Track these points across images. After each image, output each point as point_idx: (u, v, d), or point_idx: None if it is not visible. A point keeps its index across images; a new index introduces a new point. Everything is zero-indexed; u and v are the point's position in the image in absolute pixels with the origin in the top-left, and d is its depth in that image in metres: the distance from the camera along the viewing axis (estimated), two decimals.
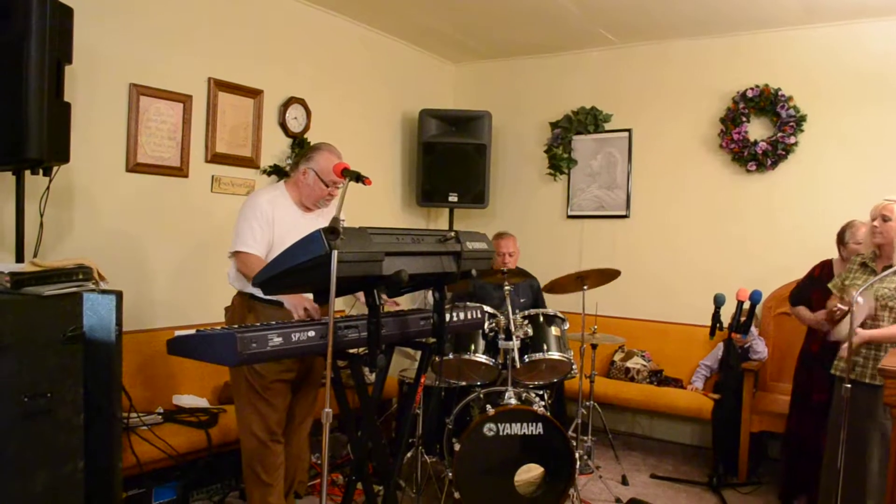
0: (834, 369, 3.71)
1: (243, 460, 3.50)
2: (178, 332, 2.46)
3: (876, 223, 3.55)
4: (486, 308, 4.16)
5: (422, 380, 3.28)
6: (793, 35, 5.38)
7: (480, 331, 4.21)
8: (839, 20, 5.18)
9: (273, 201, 3.42)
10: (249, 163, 4.94)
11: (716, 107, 5.68)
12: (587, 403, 4.79)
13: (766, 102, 5.40)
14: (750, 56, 5.55)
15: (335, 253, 2.25)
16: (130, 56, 4.20)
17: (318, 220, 3.41)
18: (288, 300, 3.20)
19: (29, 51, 3.12)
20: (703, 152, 5.76)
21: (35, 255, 3.52)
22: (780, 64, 5.42)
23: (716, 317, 4.48)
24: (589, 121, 6.20)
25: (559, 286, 4.67)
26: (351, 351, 2.75)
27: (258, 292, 3.22)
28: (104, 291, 3.12)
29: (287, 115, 5.17)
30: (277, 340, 2.37)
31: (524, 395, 4.17)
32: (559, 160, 6.33)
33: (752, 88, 5.45)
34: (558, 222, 6.43)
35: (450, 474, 3.91)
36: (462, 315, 3.21)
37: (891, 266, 3.46)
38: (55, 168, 3.52)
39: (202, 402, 4.32)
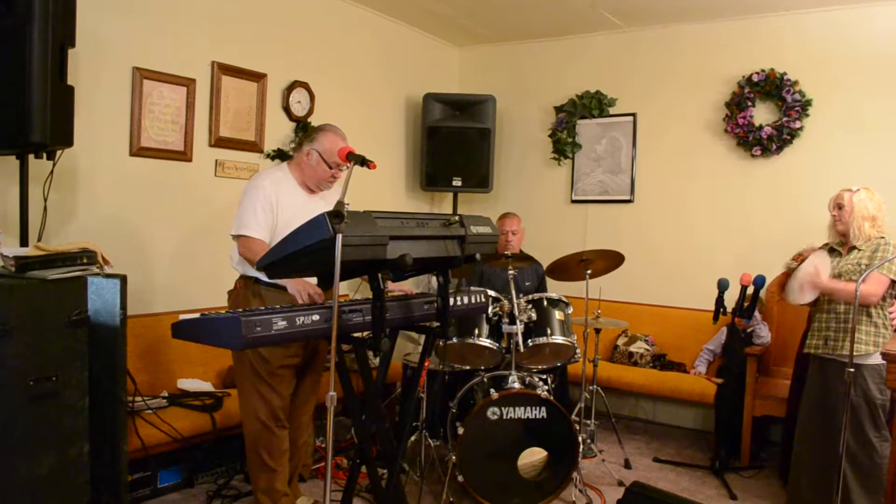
0: (807, 348, 3.83)
1: (247, 446, 3.50)
2: (182, 316, 2.46)
3: (834, 213, 3.79)
4: (490, 292, 4.17)
5: (426, 364, 3.28)
6: (799, 19, 5.35)
7: (484, 315, 4.22)
8: (846, 3, 5.14)
9: (277, 183, 3.39)
10: (253, 147, 4.93)
11: (721, 91, 5.65)
12: (590, 387, 4.80)
13: (771, 87, 5.37)
14: (755, 40, 5.52)
15: (339, 237, 2.24)
16: (134, 39, 4.19)
17: (323, 203, 3.39)
18: (291, 285, 3.20)
19: (32, 34, 3.11)
20: (708, 137, 5.75)
21: (39, 239, 3.53)
22: (786, 48, 5.39)
23: (719, 301, 4.48)
24: (594, 105, 6.17)
25: (562, 271, 4.65)
26: (355, 335, 2.75)
27: (262, 276, 3.22)
28: (108, 275, 3.12)
29: (291, 98, 5.16)
30: (282, 324, 2.37)
31: (528, 379, 4.18)
32: (563, 144, 6.31)
33: (757, 73, 5.42)
34: (562, 207, 6.42)
35: (453, 458, 3.93)
36: (466, 299, 3.20)
37: (856, 248, 3.70)
38: (59, 152, 3.51)
39: (206, 386, 4.34)
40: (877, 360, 3.60)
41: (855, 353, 3.50)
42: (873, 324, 3.64)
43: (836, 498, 3.41)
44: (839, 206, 3.79)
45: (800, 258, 3.82)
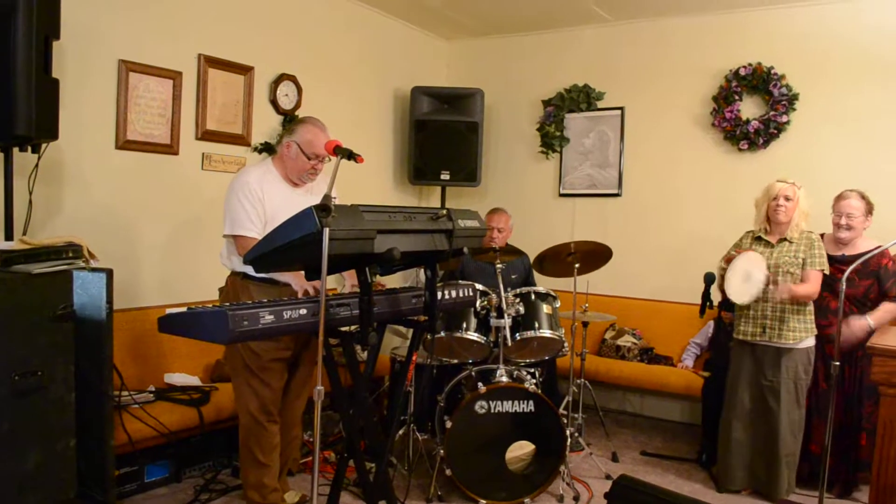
0: (741, 335, 4.17)
1: (240, 440, 3.49)
2: (169, 310, 2.45)
3: (783, 204, 4.06)
4: (478, 286, 4.17)
5: (413, 358, 3.28)
6: (787, 13, 5.36)
7: (472, 309, 4.22)
8: None
9: (261, 179, 3.36)
10: (240, 140, 4.91)
11: (708, 85, 5.67)
12: (578, 381, 4.82)
13: (758, 81, 5.39)
14: (743, 34, 5.53)
15: (327, 230, 2.24)
16: (119, 32, 4.16)
17: (309, 197, 3.38)
18: (294, 282, 3.19)
19: (16, 26, 3.08)
20: (696, 131, 5.76)
21: (24, 233, 3.49)
22: (774, 42, 5.40)
23: (706, 295, 4.50)
24: (581, 99, 6.18)
25: (550, 266, 4.66)
26: (343, 329, 2.75)
27: (252, 271, 3.21)
28: (94, 269, 3.11)
29: (278, 91, 5.13)
30: (269, 318, 2.37)
31: (515, 372, 4.19)
32: (551, 138, 6.31)
33: (744, 66, 5.44)
34: (550, 201, 6.43)
35: (441, 452, 3.93)
36: (454, 293, 3.20)
37: (785, 239, 4.07)
38: (44, 145, 3.49)
39: (194, 381, 4.32)
40: (807, 343, 4.03)
41: (792, 341, 3.97)
42: (806, 312, 4.01)
43: (822, 489, 3.46)
44: (787, 198, 4.07)
45: (729, 259, 4.09)
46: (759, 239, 4.19)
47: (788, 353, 4.02)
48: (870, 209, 4.25)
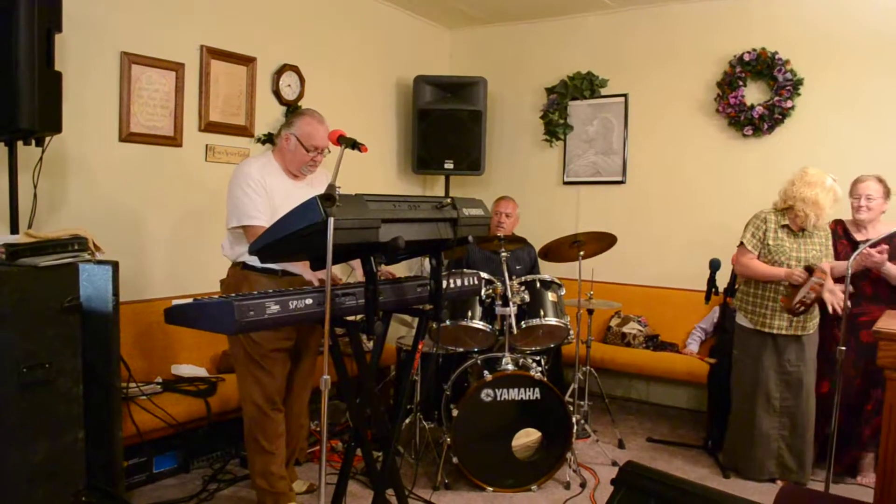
0: (765, 327, 4.15)
1: (245, 429, 3.51)
2: (175, 302, 2.45)
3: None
4: (483, 274, 4.17)
5: (419, 347, 3.29)
6: None
7: (477, 297, 4.22)
8: None
9: (263, 170, 3.36)
10: (243, 131, 4.90)
11: (712, 71, 5.64)
12: (584, 368, 4.82)
13: (762, 66, 5.36)
14: (746, 19, 5.49)
15: (331, 220, 2.24)
16: (121, 24, 4.15)
17: (310, 189, 3.37)
18: (306, 272, 3.19)
19: (18, 19, 3.08)
20: (700, 117, 5.74)
21: (29, 227, 3.51)
22: (778, 27, 5.37)
23: (711, 281, 4.50)
24: (585, 86, 6.15)
25: (555, 253, 4.67)
26: (348, 318, 2.76)
27: (253, 261, 3.21)
28: (100, 262, 3.12)
29: (281, 82, 5.13)
30: (275, 308, 2.37)
31: (521, 360, 4.20)
32: (555, 126, 6.30)
33: (748, 52, 5.41)
34: (554, 189, 6.42)
35: (448, 440, 3.95)
36: (459, 282, 3.20)
37: (804, 229, 4.11)
38: (47, 138, 3.50)
39: (201, 372, 4.34)
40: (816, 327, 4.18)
41: (812, 331, 4.13)
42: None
43: (829, 474, 3.46)
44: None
45: (820, 287, 3.93)
46: (784, 227, 4.16)
47: (807, 338, 4.11)
48: (887, 192, 4.27)
